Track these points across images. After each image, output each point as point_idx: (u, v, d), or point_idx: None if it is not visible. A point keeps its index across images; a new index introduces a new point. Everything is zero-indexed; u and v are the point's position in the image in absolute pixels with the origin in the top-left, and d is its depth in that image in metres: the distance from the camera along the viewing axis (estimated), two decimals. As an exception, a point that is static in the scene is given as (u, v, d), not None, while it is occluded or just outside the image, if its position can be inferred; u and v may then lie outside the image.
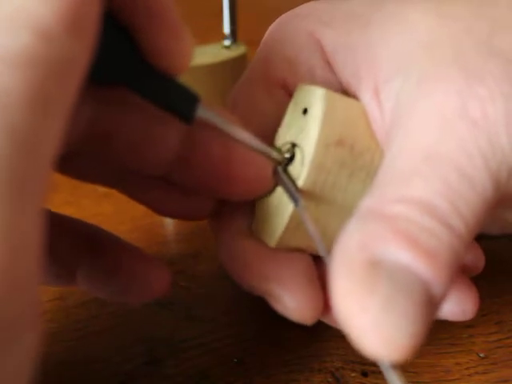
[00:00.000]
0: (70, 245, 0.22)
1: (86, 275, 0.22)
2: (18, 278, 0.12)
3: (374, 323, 0.15)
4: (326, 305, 0.21)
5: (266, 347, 0.25)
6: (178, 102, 0.19)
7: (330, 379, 0.24)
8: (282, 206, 0.21)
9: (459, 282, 0.21)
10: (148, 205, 0.22)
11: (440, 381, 0.24)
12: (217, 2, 0.41)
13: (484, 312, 0.27)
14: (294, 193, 0.20)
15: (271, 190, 0.22)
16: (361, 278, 0.15)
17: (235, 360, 0.24)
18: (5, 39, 0.12)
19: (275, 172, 0.21)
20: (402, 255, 0.15)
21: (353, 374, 0.24)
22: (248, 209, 0.23)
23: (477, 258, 0.23)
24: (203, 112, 0.19)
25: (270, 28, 0.24)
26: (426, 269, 0.15)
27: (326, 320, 0.22)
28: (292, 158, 0.21)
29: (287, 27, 0.23)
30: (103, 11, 0.15)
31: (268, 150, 0.21)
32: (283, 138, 0.22)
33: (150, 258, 0.22)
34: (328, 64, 0.22)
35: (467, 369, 0.24)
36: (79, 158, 0.20)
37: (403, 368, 0.24)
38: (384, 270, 0.15)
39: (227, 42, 0.41)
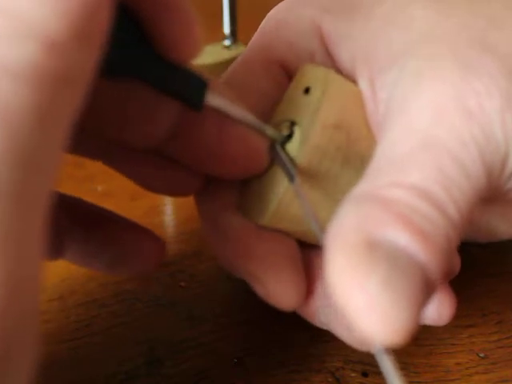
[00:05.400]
0: (58, 216, 0.21)
1: (78, 248, 0.21)
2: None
3: (372, 302, 0.14)
4: (307, 293, 0.21)
5: (266, 347, 0.25)
6: (187, 90, 0.18)
7: (330, 379, 0.24)
8: (275, 183, 0.20)
9: None
10: (135, 179, 0.22)
11: (440, 381, 0.24)
12: (217, 2, 0.41)
13: (484, 312, 0.27)
14: (291, 169, 0.20)
15: (264, 170, 0.21)
16: (359, 257, 0.15)
17: (235, 360, 0.24)
18: (8, 50, 0.11)
19: (271, 149, 0.21)
20: (399, 237, 0.15)
21: (353, 374, 0.24)
22: (236, 186, 0.22)
23: (454, 262, 0.22)
24: (212, 98, 0.19)
25: (269, 14, 0.24)
26: (422, 252, 0.15)
27: (302, 313, 0.22)
28: (290, 136, 0.21)
29: (287, 12, 0.23)
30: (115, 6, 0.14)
31: (265, 127, 0.20)
32: (281, 115, 0.21)
33: (142, 228, 0.22)
34: (327, 50, 0.22)
35: (467, 369, 0.24)
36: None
37: (403, 368, 0.24)
38: (382, 250, 0.15)
39: (227, 42, 0.41)
